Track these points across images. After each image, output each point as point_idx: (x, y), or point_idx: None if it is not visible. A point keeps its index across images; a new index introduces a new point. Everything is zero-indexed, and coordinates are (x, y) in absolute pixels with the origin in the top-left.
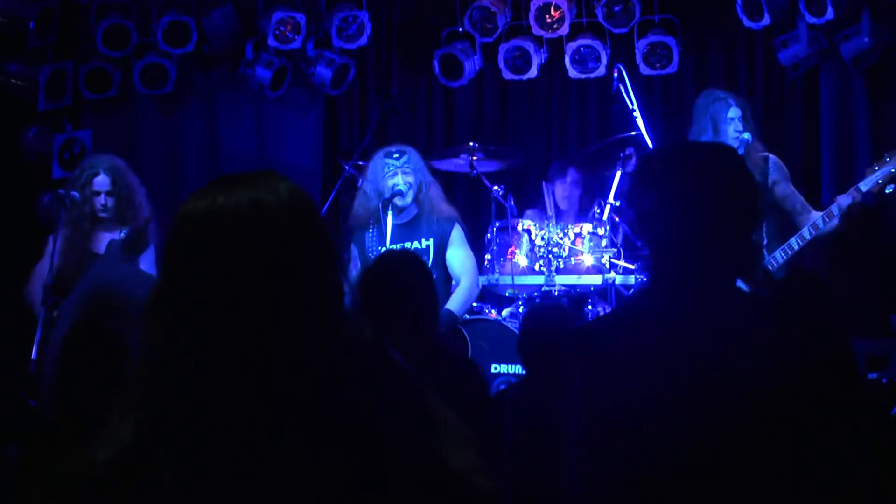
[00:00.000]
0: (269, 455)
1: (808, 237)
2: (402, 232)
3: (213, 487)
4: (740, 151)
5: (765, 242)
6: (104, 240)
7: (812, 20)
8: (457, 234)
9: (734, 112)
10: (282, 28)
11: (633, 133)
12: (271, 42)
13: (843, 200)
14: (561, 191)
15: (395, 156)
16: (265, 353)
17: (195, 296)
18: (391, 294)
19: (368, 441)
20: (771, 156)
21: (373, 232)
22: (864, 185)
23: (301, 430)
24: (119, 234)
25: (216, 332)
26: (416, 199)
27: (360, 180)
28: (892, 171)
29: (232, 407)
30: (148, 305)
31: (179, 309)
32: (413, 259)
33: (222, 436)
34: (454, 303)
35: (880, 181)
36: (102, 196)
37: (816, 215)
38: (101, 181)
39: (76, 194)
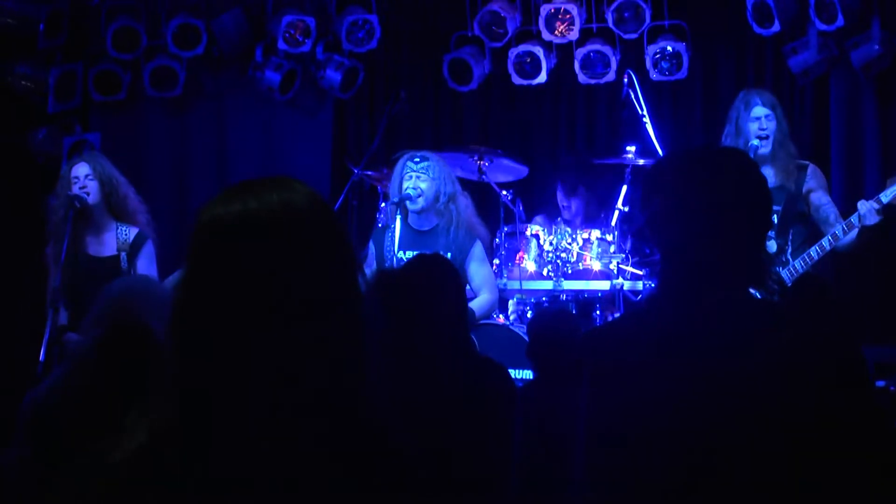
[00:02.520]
0: (289, 461)
1: (827, 247)
2: (420, 240)
3: (228, 492)
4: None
5: (789, 250)
6: (101, 242)
7: (822, 27)
8: (478, 250)
9: (759, 111)
10: (291, 31)
11: (642, 162)
12: (281, 45)
13: (864, 209)
14: (569, 204)
15: (416, 160)
16: (294, 355)
17: (224, 299)
18: (417, 297)
19: (385, 446)
20: (811, 164)
21: (392, 232)
22: (885, 197)
23: (323, 433)
24: (120, 233)
25: (245, 334)
26: (435, 210)
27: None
28: None
29: (257, 409)
30: (174, 311)
31: (207, 313)
32: (441, 262)
33: (245, 439)
34: (476, 303)
35: None
36: (81, 179)
37: (838, 226)
38: (80, 167)
39: (85, 196)
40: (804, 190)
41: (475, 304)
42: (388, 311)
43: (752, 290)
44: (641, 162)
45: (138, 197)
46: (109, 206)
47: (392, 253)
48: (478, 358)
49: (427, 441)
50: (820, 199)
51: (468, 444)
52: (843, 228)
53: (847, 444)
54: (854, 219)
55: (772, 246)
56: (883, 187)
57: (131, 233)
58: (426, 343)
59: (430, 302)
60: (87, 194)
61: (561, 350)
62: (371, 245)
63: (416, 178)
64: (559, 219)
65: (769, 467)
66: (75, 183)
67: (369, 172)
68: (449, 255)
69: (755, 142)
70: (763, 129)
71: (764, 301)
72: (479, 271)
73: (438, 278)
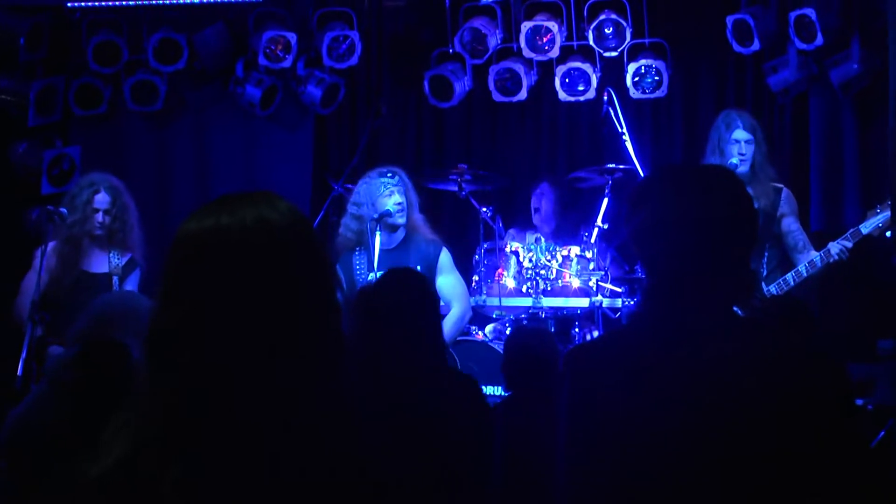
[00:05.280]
0: (268, 474)
1: (804, 274)
2: (390, 257)
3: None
4: None
5: (764, 273)
6: (95, 258)
7: (802, 46)
8: (445, 258)
9: (740, 134)
10: (273, 47)
11: (623, 167)
12: (262, 60)
13: (836, 250)
14: (540, 205)
15: (390, 175)
16: (270, 371)
17: (201, 314)
18: (388, 312)
19: (366, 460)
20: (785, 188)
21: (360, 255)
22: (865, 228)
23: (301, 448)
24: (113, 257)
25: (219, 350)
26: (407, 223)
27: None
28: None
29: (239, 423)
30: (150, 325)
31: (183, 328)
32: (412, 276)
33: (223, 453)
34: (443, 329)
35: (881, 225)
36: (101, 214)
37: (815, 254)
38: (102, 199)
39: (65, 210)
40: (778, 213)
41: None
42: (355, 325)
43: (735, 308)
44: (623, 166)
45: (141, 229)
46: (113, 238)
47: (365, 274)
48: (449, 372)
49: (402, 454)
50: (790, 225)
51: (440, 458)
52: (822, 257)
53: (831, 466)
54: (834, 251)
55: None
56: (862, 213)
57: (123, 258)
58: (392, 357)
59: (396, 317)
60: (103, 227)
61: (536, 368)
62: (338, 271)
63: (398, 194)
64: (536, 235)
65: (752, 485)
66: (95, 213)
67: (350, 186)
68: (418, 267)
69: (735, 160)
70: (742, 154)
71: (747, 319)
72: (447, 280)
73: (406, 293)
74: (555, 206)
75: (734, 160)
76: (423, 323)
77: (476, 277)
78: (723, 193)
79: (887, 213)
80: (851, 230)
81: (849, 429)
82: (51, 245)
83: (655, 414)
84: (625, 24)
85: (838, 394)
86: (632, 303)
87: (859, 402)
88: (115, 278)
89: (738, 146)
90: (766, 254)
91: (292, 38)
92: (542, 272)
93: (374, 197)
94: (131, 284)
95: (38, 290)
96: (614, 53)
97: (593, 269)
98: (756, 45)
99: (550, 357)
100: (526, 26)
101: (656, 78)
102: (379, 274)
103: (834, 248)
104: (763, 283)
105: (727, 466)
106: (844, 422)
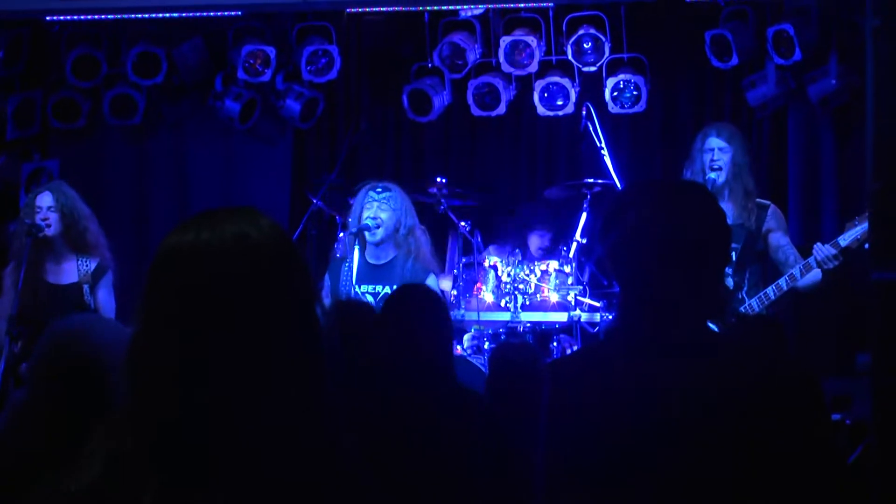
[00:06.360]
0: (251, 485)
1: (784, 288)
2: (375, 273)
3: None
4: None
5: (745, 288)
6: (64, 270)
7: (780, 61)
8: (431, 283)
9: (713, 142)
10: (252, 61)
11: (601, 181)
12: (241, 74)
13: (821, 255)
14: (537, 243)
15: (378, 190)
16: (249, 389)
17: (180, 330)
18: (407, 328)
19: (349, 478)
20: (772, 205)
21: (348, 265)
22: (843, 240)
23: (280, 465)
24: (81, 264)
25: (199, 365)
26: (394, 242)
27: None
28: None
29: (217, 441)
30: (131, 340)
31: (163, 343)
32: (430, 296)
33: (203, 465)
34: None
35: (859, 237)
36: (44, 210)
37: (796, 268)
38: (43, 197)
39: (42, 223)
40: (763, 229)
41: None
42: (360, 340)
43: (709, 324)
44: (601, 181)
45: (100, 230)
46: (68, 239)
47: (349, 286)
48: (457, 387)
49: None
50: (779, 240)
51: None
52: (801, 269)
53: (807, 481)
54: (812, 261)
55: (728, 283)
56: (840, 227)
57: (92, 264)
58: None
59: (413, 334)
60: (48, 225)
61: (522, 383)
62: (326, 277)
63: (378, 209)
64: (517, 250)
65: (727, 499)
66: (38, 212)
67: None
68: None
69: (712, 175)
70: (714, 161)
71: (721, 335)
72: None
73: (423, 310)
74: (540, 239)
75: (711, 175)
76: (434, 342)
77: (454, 292)
78: (695, 210)
79: (865, 226)
80: (830, 242)
81: (825, 443)
82: (25, 260)
83: (631, 427)
84: (603, 39)
85: (812, 408)
86: (610, 317)
87: (836, 416)
88: (85, 287)
89: (711, 154)
90: (748, 270)
91: (271, 52)
92: (521, 286)
93: (358, 208)
94: (104, 289)
95: (15, 304)
96: (593, 68)
97: (572, 284)
98: (734, 61)
99: (535, 372)
100: (505, 41)
101: (635, 93)
102: (356, 288)
103: (812, 261)
104: (745, 297)
105: (702, 480)
106: (819, 436)
